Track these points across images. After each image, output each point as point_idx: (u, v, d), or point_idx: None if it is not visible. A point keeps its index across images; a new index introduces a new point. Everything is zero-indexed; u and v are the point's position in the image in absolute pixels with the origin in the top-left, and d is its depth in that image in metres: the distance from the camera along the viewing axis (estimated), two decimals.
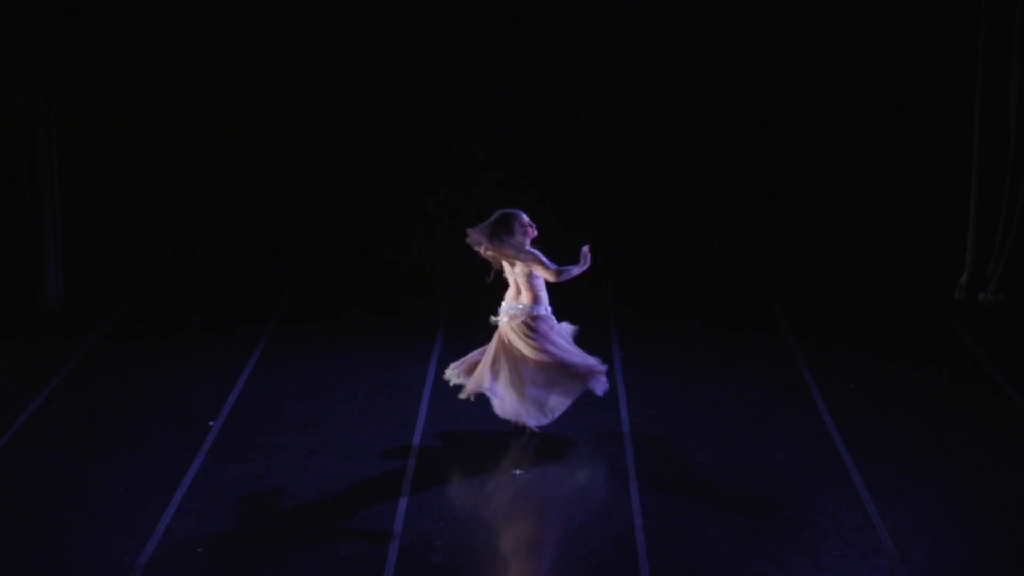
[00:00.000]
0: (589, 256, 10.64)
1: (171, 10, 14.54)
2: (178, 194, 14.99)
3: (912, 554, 9.12)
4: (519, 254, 10.58)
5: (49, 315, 13.90)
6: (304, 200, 15.13)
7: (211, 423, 11.19)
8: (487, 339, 10.95)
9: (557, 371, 10.73)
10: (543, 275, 10.62)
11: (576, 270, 10.62)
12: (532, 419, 10.79)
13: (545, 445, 10.76)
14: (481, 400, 10.98)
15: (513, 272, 10.70)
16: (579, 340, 12.64)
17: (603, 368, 10.84)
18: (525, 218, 10.66)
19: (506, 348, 10.75)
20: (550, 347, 10.74)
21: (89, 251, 14.77)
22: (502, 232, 10.58)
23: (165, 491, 9.94)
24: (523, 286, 10.69)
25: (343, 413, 11.46)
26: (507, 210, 10.67)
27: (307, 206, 15.14)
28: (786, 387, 12.05)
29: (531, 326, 10.69)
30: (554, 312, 10.92)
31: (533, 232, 10.67)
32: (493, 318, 10.82)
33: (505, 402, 10.74)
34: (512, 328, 10.72)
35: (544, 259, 10.57)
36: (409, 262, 15.18)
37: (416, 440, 10.90)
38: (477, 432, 10.99)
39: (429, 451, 10.72)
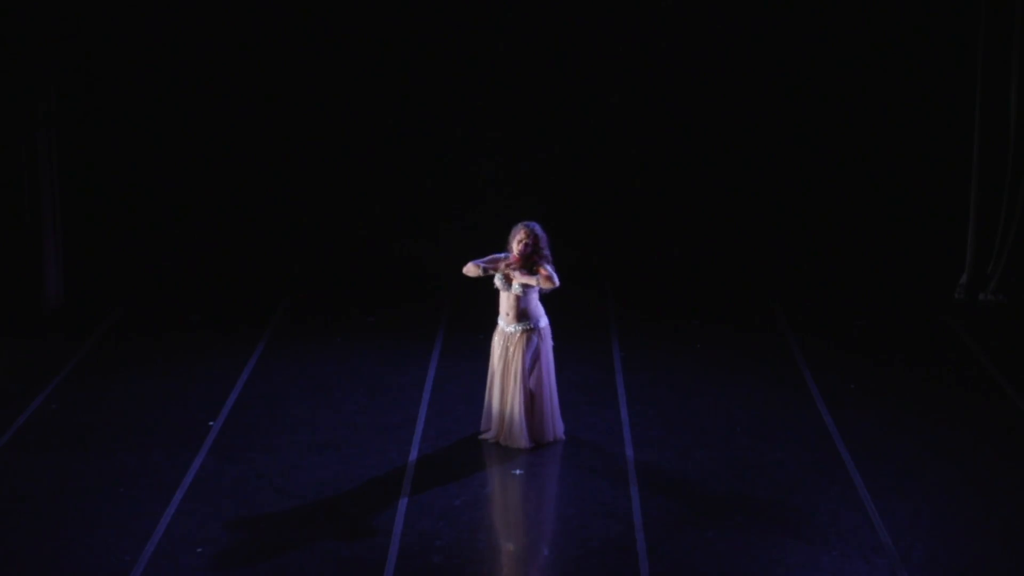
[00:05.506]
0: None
1: (171, 10, 14.54)
2: (178, 194, 14.99)
3: (912, 554, 9.12)
4: (544, 266, 10.52)
5: (49, 315, 13.90)
6: (304, 200, 15.13)
7: (211, 423, 11.20)
8: (487, 339, 10.94)
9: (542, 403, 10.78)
10: (548, 285, 10.53)
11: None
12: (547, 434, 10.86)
13: (544, 445, 10.76)
14: (480, 401, 10.99)
15: (511, 289, 10.60)
16: (580, 340, 12.68)
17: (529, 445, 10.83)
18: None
19: (510, 368, 10.68)
20: (549, 366, 10.73)
21: (89, 251, 14.77)
22: (546, 245, 10.57)
23: (165, 491, 9.95)
24: (520, 300, 10.59)
25: (343, 413, 11.46)
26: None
27: (307, 206, 15.14)
28: (786, 387, 12.05)
29: (536, 337, 10.65)
30: (555, 313, 10.92)
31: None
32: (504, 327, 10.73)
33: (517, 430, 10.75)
34: (519, 340, 10.64)
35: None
36: (409, 262, 15.18)
37: (416, 440, 10.90)
38: (476, 432, 10.99)
39: (429, 451, 10.73)
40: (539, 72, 14.88)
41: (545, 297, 10.69)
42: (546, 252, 10.52)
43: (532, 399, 10.69)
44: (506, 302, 10.65)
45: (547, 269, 10.45)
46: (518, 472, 10.37)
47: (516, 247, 10.47)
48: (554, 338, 10.79)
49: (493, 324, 10.78)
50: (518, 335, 10.62)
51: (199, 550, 9.12)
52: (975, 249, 14.40)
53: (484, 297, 11.03)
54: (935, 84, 14.61)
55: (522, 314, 10.59)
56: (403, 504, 9.77)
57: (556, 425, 10.84)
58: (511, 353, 10.63)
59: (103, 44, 14.53)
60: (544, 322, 10.69)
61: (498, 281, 10.61)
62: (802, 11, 14.61)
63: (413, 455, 10.63)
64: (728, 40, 14.71)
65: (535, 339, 10.63)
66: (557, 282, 10.46)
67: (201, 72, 14.72)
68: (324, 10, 14.67)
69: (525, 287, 10.51)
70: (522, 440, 10.66)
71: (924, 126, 14.72)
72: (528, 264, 10.49)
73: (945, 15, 14.43)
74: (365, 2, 14.68)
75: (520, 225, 10.52)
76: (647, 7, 14.68)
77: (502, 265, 10.54)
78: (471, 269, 10.56)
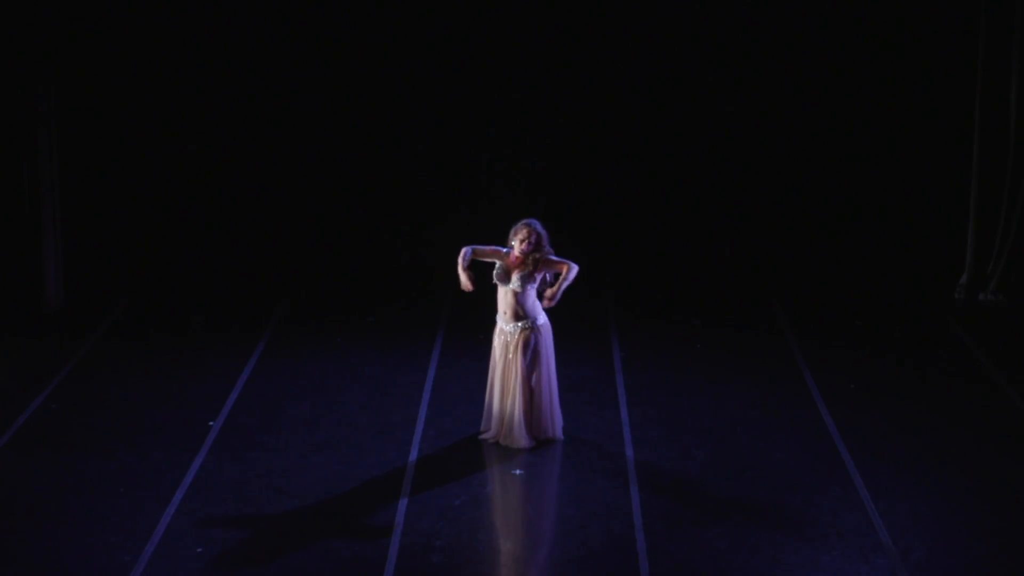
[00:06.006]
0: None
1: (171, 10, 14.54)
2: (178, 194, 14.99)
3: (912, 554, 9.12)
4: (544, 260, 10.51)
5: (49, 315, 13.90)
6: (305, 200, 15.12)
7: (211, 423, 11.20)
8: (487, 339, 10.94)
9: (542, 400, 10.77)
10: (573, 274, 10.53)
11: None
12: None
13: (544, 445, 10.76)
14: (480, 401, 10.99)
15: (510, 286, 10.58)
16: (580, 340, 12.66)
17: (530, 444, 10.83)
18: None
19: (510, 369, 10.67)
20: (548, 364, 10.73)
21: (89, 251, 14.77)
22: (547, 242, 10.55)
23: (165, 491, 9.95)
24: (519, 297, 10.58)
25: (343, 413, 11.46)
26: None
27: (308, 206, 15.14)
28: (786, 387, 12.05)
29: (535, 335, 10.64)
30: (555, 313, 10.91)
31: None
32: (502, 327, 10.72)
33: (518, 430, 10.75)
34: (518, 339, 10.63)
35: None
36: (409, 262, 15.18)
37: (416, 440, 10.90)
38: (476, 432, 10.99)
39: (429, 451, 10.73)
40: (540, 72, 14.88)
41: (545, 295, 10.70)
42: (548, 248, 10.52)
43: (531, 395, 10.68)
44: (504, 300, 10.64)
45: (562, 260, 10.45)
46: (518, 472, 10.37)
47: (519, 246, 10.45)
48: (554, 337, 10.78)
49: (493, 324, 10.78)
50: (517, 334, 10.62)
51: (199, 550, 9.12)
52: (975, 249, 14.40)
53: (484, 297, 11.03)
54: (935, 84, 14.60)
55: (520, 312, 10.59)
56: (403, 504, 9.77)
57: (555, 422, 10.84)
58: (511, 352, 10.63)
59: (103, 44, 14.53)
60: (542, 319, 10.68)
61: (496, 276, 10.59)
62: (802, 11, 14.60)
63: (413, 455, 10.63)
64: (727, 39, 14.71)
65: (534, 337, 10.63)
66: (575, 265, 10.47)
67: (201, 71, 14.72)
68: (325, 9, 14.67)
69: (525, 283, 10.49)
70: (522, 440, 10.66)
71: (924, 126, 14.72)
72: (532, 263, 10.47)
73: (945, 15, 14.43)
74: (366, 2, 14.68)
75: (521, 224, 10.51)
76: (648, 8, 14.67)
77: (499, 265, 10.56)
78: (462, 266, 10.53)
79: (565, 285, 10.51)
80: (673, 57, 14.81)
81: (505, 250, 10.56)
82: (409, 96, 14.92)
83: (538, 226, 10.47)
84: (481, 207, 15.03)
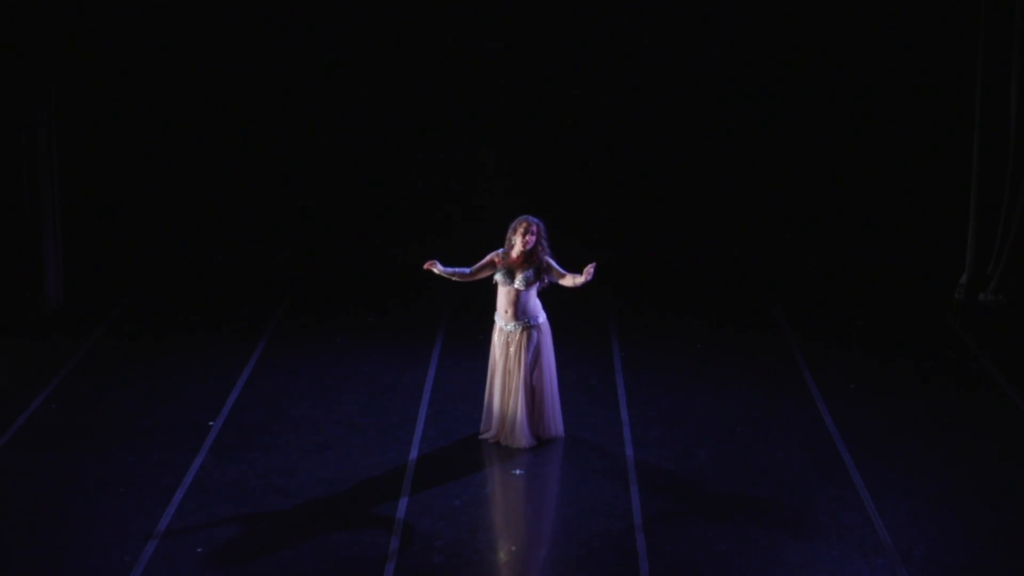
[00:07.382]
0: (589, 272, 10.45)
1: (171, 10, 14.55)
2: (178, 194, 15.00)
3: (912, 554, 9.13)
4: (546, 263, 10.50)
5: (49, 315, 13.90)
6: (305, 200, 15.13)
7: (211, 423, 11.20)
8: (487, 339, 10.94)
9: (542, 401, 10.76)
10: (564, 281, 10.50)
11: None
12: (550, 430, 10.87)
13: (544, 445, 10.76)
14: (480, 401, 10.99)
15: (514, 285, 10.57)
16: (580, 340, 12.64)
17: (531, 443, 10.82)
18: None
19: (511, 369, 10.66)
20: (549, 363, 10.73)
21: (89, 251, 14.78)
22: (546, 236, 10.54)
23: (165, 491, 9.95)
24: (521, 296, 10.56)
25: (343, 413, 11.46)
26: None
27: (308, 206, 15.14)
28: (786, 387, 12.05)
29: (536, 334, 10.64)
30: (556, 312, 10.91)
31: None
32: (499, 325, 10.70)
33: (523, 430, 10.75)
34: (519, 338, 10.61)
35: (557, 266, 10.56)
36: (409, 262, 15.18)
37: (416, 440, 10.90)
38: (476, 432, 10.99)
39: (429, 451, 10.73)
40: (541, 73, 14.88)
41: (545, 294, 10.69)
42: (546, 246, 10.52)
43: (533, 395, 10.69)
44: (505, 299, 10.63)
45: (563, 271, 10.43)
46: (518, 472, 10.37)
47: (520, 241, 10.42)
48: (554, 337, 10.78)
49: (493, 324, 10.77)
50: (518, 333, 10.62)
51: (199, 550, 9.13)
52: (975, 249, 14.40)
53: (484, 297, 11.03)
54: (935, 84, 14.61)
55: (521, 311, 10.58)
56: (403, 504, 9.77)
57: (557, 421, 10.84)
58: (512, 352, 10.62)
59: (103, 44, 14.54)
60: (542, 318, 10.68)
61: (499, 276, 10.58)
62: (803, 12, 14.61)
63: (413, 455, 10.63)
64: (729, 41, 14.72)
65: (535, 336, 10.63)
66: (578, 276, 10.45)
67: (201, 71, 14.72)
68: (327, 9, 14.67)
69: (529, 283, 10.48)
70: (523, 439, 10.66)
71: (924, 126, 14.73)
72: (538, 262, 10.46)
73: (945, 15, 14.43)
74: (368, 3, 14.68)
75: (519, 220, 10.49)
76: (651, 10, 14.68)
77: (501, 262, 10.53)
78: (444, 270, 10.54)
79: (582, 282, 10.42)
80: (675, 57, 14.81)
81: (502, 251, 10.55)
82: (408, 96, 14.92)
83: (535, 220, 10.48)
84: (481, 207, 15.03)
